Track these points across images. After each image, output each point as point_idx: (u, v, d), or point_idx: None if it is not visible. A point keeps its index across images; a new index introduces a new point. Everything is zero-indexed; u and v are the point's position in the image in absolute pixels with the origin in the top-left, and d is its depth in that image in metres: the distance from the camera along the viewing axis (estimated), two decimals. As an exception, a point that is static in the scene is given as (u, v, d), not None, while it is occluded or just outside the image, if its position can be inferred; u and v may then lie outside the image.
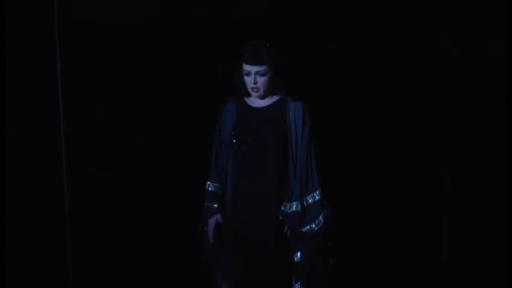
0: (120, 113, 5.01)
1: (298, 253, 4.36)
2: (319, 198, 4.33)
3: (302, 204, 4.33)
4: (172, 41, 5.00)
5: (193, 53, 5.00)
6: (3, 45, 4.61)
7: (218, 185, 4.46)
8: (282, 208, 4.37)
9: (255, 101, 4.47)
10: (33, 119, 4.85)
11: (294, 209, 4.34)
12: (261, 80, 4.36)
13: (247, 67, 4.36)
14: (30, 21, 4.80)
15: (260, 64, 4.33)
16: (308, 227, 4.33)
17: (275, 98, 4.46)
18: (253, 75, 4.35)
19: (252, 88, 4.38)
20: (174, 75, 5.02)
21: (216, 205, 4.43)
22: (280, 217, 4.37)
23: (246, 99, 4.49)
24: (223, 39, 4.94)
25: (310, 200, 4.34)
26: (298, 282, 4.37)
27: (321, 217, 4.33)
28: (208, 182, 4.48)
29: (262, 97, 4.44)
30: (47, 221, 4.89)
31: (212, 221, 4.42)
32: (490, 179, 4.95)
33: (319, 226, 4.33)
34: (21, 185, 4.83)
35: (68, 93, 4.80)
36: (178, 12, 4.99)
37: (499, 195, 4.78)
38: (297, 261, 4.36)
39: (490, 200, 4.96)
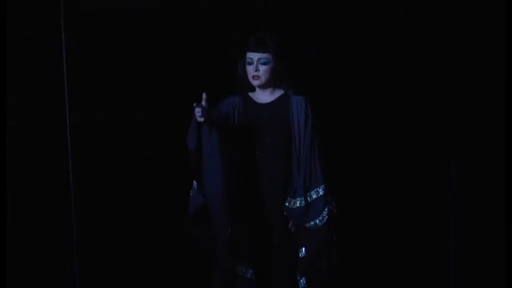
0: (121, 112, 5.01)
1: (303, 249, 4.35)
2: (323, 193, 4.30)
3: (306, 200, 4.31)
4: (173, 41, 5.00)
5: (196, 52, 5.00)
6: (4, 44, 4.60)
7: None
8: (287, 204, 4.35)
9: (259, 97, 4.46)
10: (37, 115, 4.85)
11: (298, 205, 4.32)
12: (263, 69, 4.35)
13: (250, 55, 4.35)
14: (32, 20, 4.81)
15: (263, 51, 4.32)
16: (312, 222, 4.30)
17: (278, 92, 4.45)
18: (256, 63, 4.34)
19: (253, 76, 4.36)
20: (176, 74, 5.02)
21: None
22: (285, 213, 4.36)
23: (251, 94, 4.48)
24: (226, 38, 4.94)
25: (314, 196, 4.32)
26: (303, 278, 4.37)
27: (325, 213, 4.29)
28: None
29: (263, 87, 4.41)
30: (48, 219, 4.89)
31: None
32: (496, 171, 4.95)
33: (323, 222, 4.29)
34: (22, 184, 4.83)
35: (71, 91, 4.81)
36: (180, 12, 4.99)
37: (503, 188, 4.77)
38: (302, 257, 4.35)
39: (495, 191, 4.97)
